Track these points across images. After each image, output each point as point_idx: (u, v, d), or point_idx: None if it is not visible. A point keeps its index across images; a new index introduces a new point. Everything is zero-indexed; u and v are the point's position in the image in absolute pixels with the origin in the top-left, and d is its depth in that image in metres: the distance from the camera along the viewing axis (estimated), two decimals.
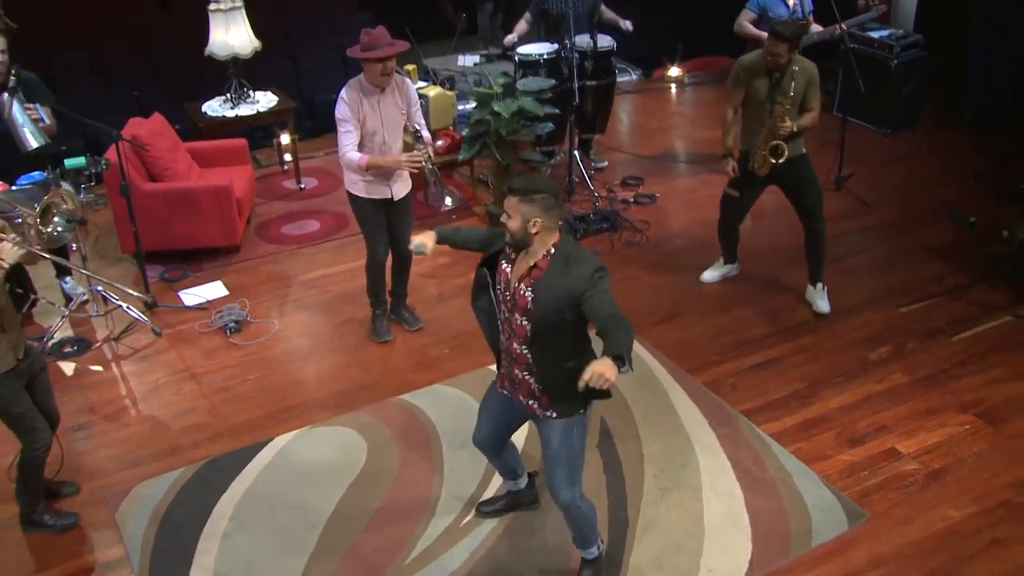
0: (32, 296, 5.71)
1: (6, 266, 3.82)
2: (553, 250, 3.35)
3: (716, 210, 5.96)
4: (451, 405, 5.02)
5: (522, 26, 7.48)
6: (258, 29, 7.32)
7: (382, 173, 5.18)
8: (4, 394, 3.91)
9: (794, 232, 5.94)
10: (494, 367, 3.79)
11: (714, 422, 4.85)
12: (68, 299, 5.94)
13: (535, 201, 3.28)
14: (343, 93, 5.02)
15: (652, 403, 5.01)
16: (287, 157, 7.79)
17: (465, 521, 4.26)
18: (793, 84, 5.24)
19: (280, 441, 4.80)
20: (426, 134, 5.26)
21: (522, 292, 3.39)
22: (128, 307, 5.76)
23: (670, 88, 9.70)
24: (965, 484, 4.45)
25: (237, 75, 7.33)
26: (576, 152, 7.22)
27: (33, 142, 5.44)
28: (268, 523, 4.29)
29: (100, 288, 5.80)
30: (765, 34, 5.47)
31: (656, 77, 9.85)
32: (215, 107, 7.37)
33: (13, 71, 5.40)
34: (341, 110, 5.00)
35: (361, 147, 5.08)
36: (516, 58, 7.36)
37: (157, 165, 6.37)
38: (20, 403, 3.97)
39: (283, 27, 9.01)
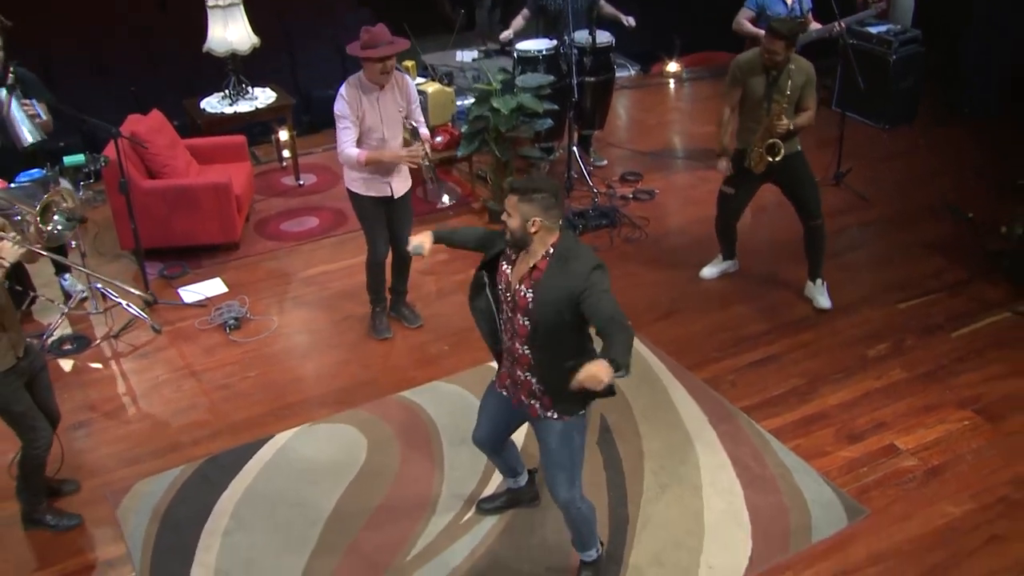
0: (31, 293, 5.69)
1: (7, 265, 3.80)
2: (552, 250, 3.35)
3: (714, 207, 5.96)
4: (451, 402, 5.03)
5: (519, 22, 7.47)
6: (256, 25, 7.30)
7: (381, 168, 5.17)
8: (4, 393, 3.91)
9: (793, 228, 5.94)
10: (494, 364, 3.80)
11: (714, 419, 4.86)
12: (67, 296, 5.94)
13: (535, 200, 3.28)
14: (342, 90, 5.01)
15: (652, 400, 5.02)
16: (286, 153, 7.78)
17: (466, 518, 4.27)
18: (790, 83, 5.24)
19: (280, 438, 4.81)
20: (424, 131, 5.25)
21: (523, 293, 3.39)
22: (127, 304, 5.75)
23: (668, 84, 9.70)
24: (964, 480, 4.46)
25: (235, 71, 7.31)
26: (575, 148, 7.22)
27: (29, 138, 5.44)
28: (269, 520, 4.30)
29: (99, 285, 5.80)
30: (763, 32, 5.48)
31: (654, 72, 9.84)
32: (214, 103, 7.35)
33: (11, 68, 5.40)
34: (340, 107, 4.99)
35: (360, 144, 5.07)
36: (515, 54, 7.36)
37: (156, 162, 6.36)
38: (20, 402, 3.97)
39: (281, 23, 8.97)
